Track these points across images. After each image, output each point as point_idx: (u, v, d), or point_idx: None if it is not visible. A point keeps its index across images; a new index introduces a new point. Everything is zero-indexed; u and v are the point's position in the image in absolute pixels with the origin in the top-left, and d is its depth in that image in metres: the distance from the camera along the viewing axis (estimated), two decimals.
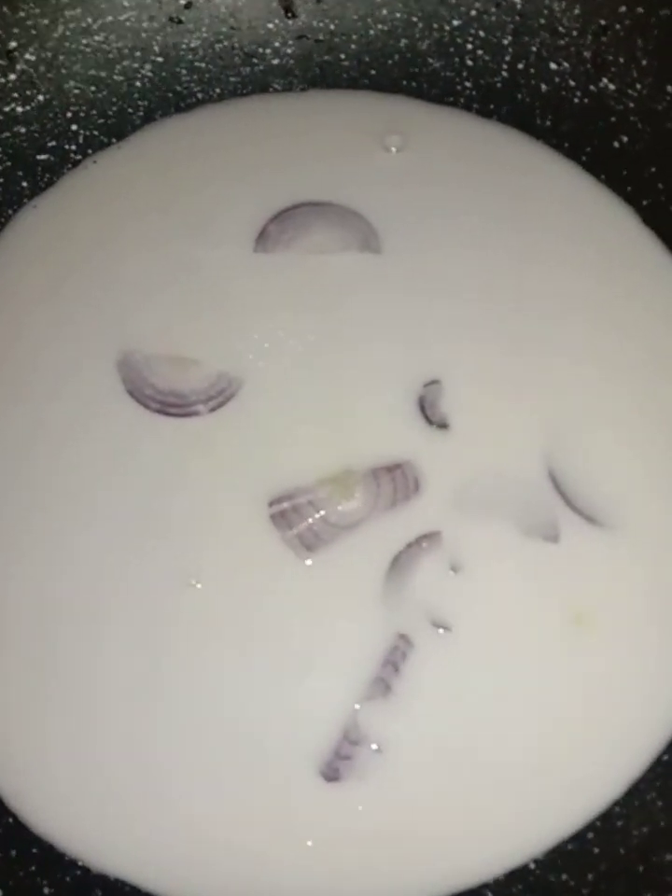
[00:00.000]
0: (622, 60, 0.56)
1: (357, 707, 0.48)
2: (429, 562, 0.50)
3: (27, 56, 0.59)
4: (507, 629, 0.49)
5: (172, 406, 0.53)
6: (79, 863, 0.47)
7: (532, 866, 0.47)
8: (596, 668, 0.48)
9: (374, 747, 0.47)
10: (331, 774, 0.47)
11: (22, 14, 0.58)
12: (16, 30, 0.58)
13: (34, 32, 0.59)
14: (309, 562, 0.50)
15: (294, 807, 0.48)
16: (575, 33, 0.57)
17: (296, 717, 0.48)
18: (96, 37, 0.60)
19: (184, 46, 0.61)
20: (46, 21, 0.59)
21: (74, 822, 0.48)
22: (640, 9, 0.55)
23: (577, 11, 0.56)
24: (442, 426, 0.53)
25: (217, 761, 0.48)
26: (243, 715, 0.48)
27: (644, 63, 0.55)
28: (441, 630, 0.49)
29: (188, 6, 0.61)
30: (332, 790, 0.47)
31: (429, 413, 0.53)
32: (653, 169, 0.56)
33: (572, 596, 0.49)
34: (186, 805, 0.48)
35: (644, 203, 0.57)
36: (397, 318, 0.54)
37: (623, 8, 0.55)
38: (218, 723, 0.48)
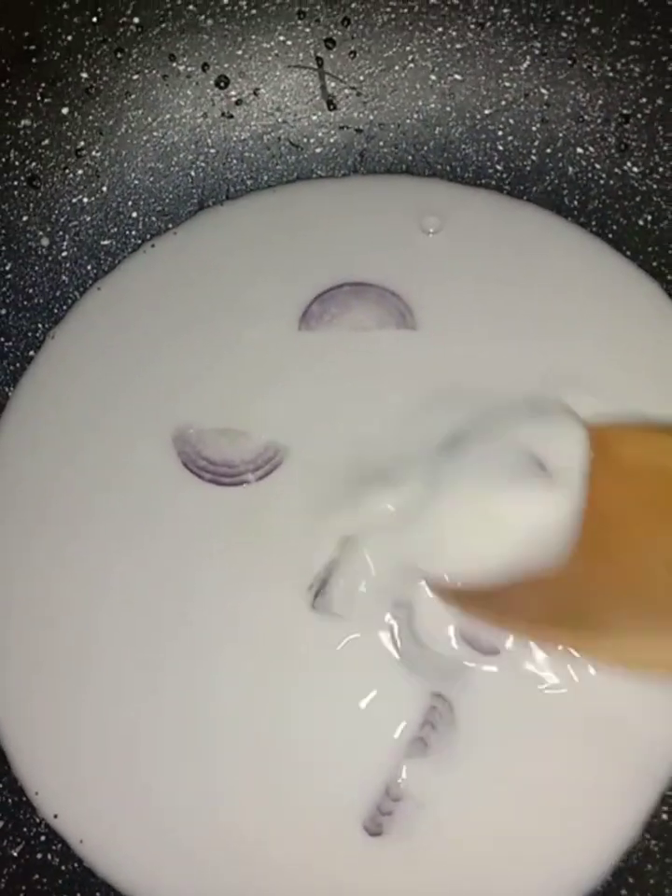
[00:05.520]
0: (644, 145, 0.60)
1: (398, 765, 0.50)
2: None
3: (93, 152, 0.64)
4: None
5: (223, 476, 0.57)
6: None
7: None
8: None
9: (414, 803, 0.50)
10: (375, 828, 0.50)
11: (91, 117, 0.64)
12: (84, 131, 0.64)
13: (100, 132, 0.64)
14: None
15: (341, 860, 0.50)
16: (599, 121, 0.61)
17: (342, 775, 0.51)
18: (155, 133, 0.66)
19: (235, 138, 0.66)
20: (111, 122, 0.65)
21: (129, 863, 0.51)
22: (660, 101, 0.58)
23: (601, 101, 0.60)
24: None
25: (269, 812, 0.51)
26: (294, 775, 0.51)
27: (665, 148, 0.59)
28: (493, 668, 0.51)
29: (238, 102, 0.66)
30: (376, 844, 0.50)
31: None
32: None
33: None
34: (237, 852, 0.51)
35: (670, 277, 0.59)
36: (429, 390, 0.57)
37: (644, 99, 0.59)
38: (271, 781, 0.51)
